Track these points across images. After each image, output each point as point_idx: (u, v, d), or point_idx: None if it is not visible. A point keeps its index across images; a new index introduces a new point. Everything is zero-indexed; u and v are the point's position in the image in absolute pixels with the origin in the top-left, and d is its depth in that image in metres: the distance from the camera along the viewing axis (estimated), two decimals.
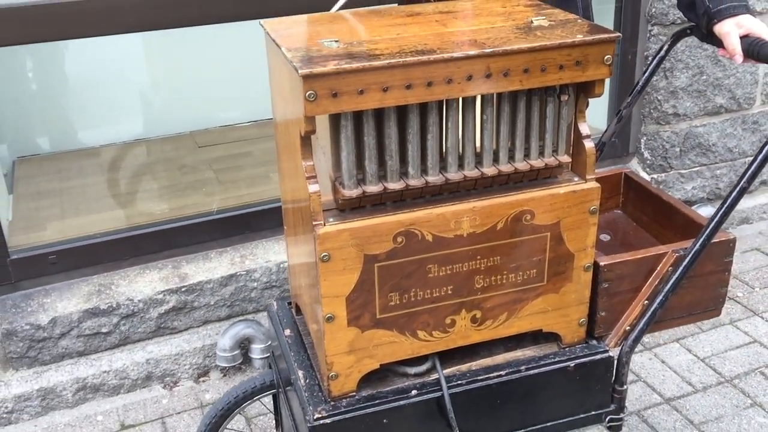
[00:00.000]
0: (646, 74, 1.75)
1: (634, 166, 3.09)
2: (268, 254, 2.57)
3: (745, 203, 3.23)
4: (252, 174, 3.04)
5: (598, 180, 1.79)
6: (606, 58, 1.27)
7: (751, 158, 3.04)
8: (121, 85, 3.23)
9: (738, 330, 2.60)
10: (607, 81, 3.06)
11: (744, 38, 1.52)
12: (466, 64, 1.20)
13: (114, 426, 2.31)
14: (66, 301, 2.36)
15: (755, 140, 3.13)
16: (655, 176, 3.05)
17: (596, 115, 3.07)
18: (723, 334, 2.59)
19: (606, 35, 1.26)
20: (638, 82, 1.76)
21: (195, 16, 2.34)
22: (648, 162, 3.05)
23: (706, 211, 3.04)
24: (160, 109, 3.42)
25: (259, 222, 2.59)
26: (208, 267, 2.52)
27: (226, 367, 2.49)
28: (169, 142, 3.32)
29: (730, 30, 1.53)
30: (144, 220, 2.65)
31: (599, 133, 3.15)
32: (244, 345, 2.49)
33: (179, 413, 2.35)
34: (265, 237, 2.61)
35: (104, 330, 2.39)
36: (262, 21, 1.42)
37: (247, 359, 2.51)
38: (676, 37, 1.72)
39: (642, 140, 3.04)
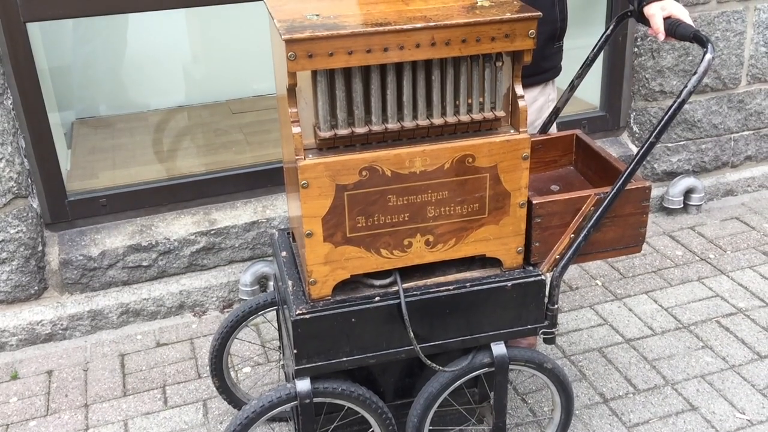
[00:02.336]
0: (595, 50, 2.04)
1: (624, 139, 3.37)
2: (285, 205, 2.95)
3: (731, 176, 3.48)
4: (276, 137, 3.39)
5: (553, 141, 2.13)
6: (530, 32, 1.59)
7: (734, 134, 3.27)
8: (166, 58, 3.63)
9: (704, 286, 2.88)
10: (601, 60, 3.34)
11: (667, 19, 1.82)
12: (414, 34, 1.54)
13: (151, 344, 2.73)
14: (113, 238, 2.78)
15: (740, 118, 3.37)
16: None
17: (590, 92, 3.36)
18: (689, 288, 2.87)
19: (529, 14, 1.58)
20: (588, 57, 2.05)
21: None
22: (637, 135, 3.33)
23: (688, 182, 3.31)
24: (200, 80, 3.81)
25: (280, 177, 2.96)
26: (234, 214, 2.91)
27: (246, 300, 2.88)
28: (207, 109, 3.72)
29: (656, 12, 1.83)
30: (181, 172, 3.05)
31: (593, 107, 3.45)
32: (262, 282, 2.88)
33: (205, 336, 2.75)
34: (284, 191, 2.99)
35: (145, 264, 2.80)
36: None
37: None
38: (619, 19, 2.02)
39: (632, 115, 3.31)
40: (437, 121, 1.66)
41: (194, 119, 3.69)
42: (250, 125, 3.58)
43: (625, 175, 1.76)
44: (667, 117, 1.72)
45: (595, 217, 1.78)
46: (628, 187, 1.79)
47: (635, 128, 3.32)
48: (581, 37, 3.29)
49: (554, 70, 2.17)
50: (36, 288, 2.69)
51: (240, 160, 3.21)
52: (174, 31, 3.64)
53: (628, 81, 3.27)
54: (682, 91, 1.69)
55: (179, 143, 3.43)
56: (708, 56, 1.66)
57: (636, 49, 3.18)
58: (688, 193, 3.31)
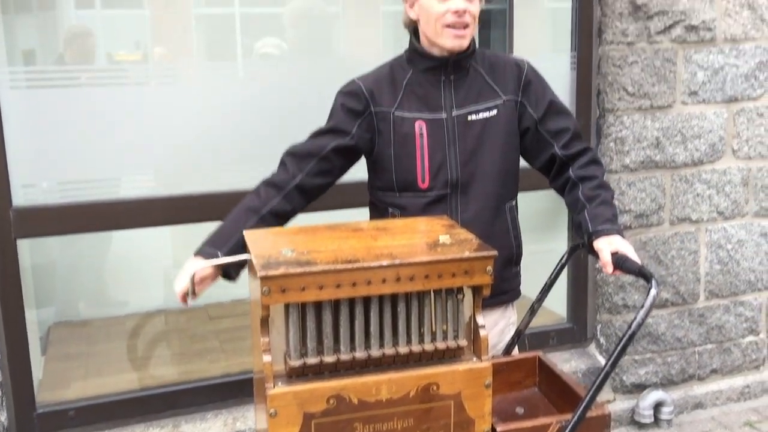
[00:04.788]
0: (551, 279, 2.18)
1: (593, 351, 3.46)
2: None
3: (698, 389, 3.53)
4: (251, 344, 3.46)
5: (517, 363, 2.21)
6: (487, 269, 1.72)
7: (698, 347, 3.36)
8: (148, 265, 3.76)
9: None
10: (565, 272, 3.51)
11: (614, 254, 1.97)
12: (381, 271, 1.66)
13: None
14: None
15: (702, 331, 3.49)
16: None
17: (557, 303, 3.49)
18: None
19: (486, 253, 1.72)
20: (546, 284, 2.19)
21: (212, 215, 2.88)
22: (604, 347, 3.42)
23: (656, 395, 3.35)
24: None
25: (252, 388, 2.97)
26: (204, 427, 2.88)
27: None
28: (185, 314, 3.78)
29: (603, 247, 1.98)
30: (153, 382, 3.05)
31: (560, 319, 3.56)
32: None
33: None
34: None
35: None
36: (245, 231, 1.91)
37: None
38: (572, 250, 2.18)
39: (598, 327, 3.42)
40: (403, 349, 1.73)
41: (171, 324, 3.74)
42: (226, 331, 3.64)
43: (584, 404, 1.81)
44: (619, 349, 1.81)
45: None
46: (588, 415, 1.84)
47: (602, 340, 3.41)
48: (546, 242, 3.51)
49: (513, 293, 2.28)
50: None
51: (213, 370, 3.23)
52: (155, 241, 3.79)
53: (592, 295, 3.41)
54: (631, 324, 1.79)
55: (154, 350, 3.46)
56: (653, 291, 1.79)
57: (597, 264, 3.36)
58: (658, 406, 3.34)
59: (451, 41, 2.07)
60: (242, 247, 1.92)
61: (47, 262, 3.49)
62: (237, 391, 2.97)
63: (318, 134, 2.17)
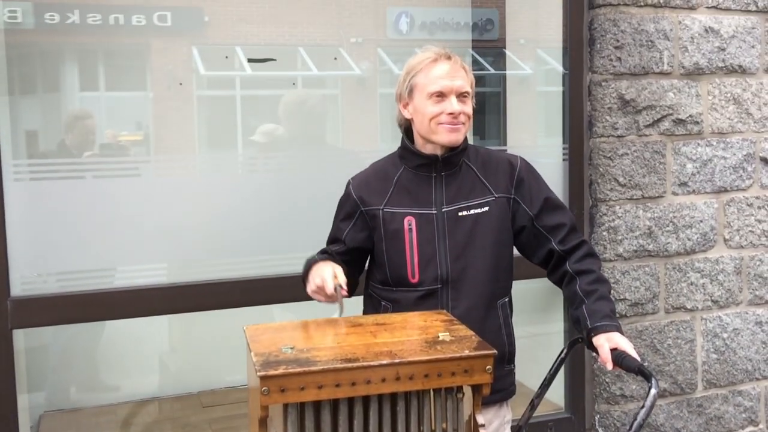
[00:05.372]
0: (551, 373, 2.18)
1: None
2: None
3: None
4: None
5: None
6: (487, 368, 1.72)
7: None
8: (142, 350, 3.73)
9: None
10: (562, 367, 3.48)
11: (613, 350, 1.98)
12: (381, 370, 1.66)
13: None
14: None
15: (701, 422, 3.46)
16: None
17: (556, 392, 3.46)
18: None
19: (485, 352, 1.72)
20: (546, 378, 2.18)
21: (209, 304, 2.89)
22: None
23: None
24: (174, 371, 3.87)
25: None
26: None
27: None
28: (178, 401, 3.73)
29: (603, 343, 1.99)
30: None
31: (559, 408, 3.53)
32: None
33: None
34: None
35: None
36: (245, 326, 1.91)
37: None
38: (571, 344, 2.19)
39: (596, 418, 3.39)
40: None
41: (164, 413, 3.68)
42: (219, 421, 3.57)
43: None
44: None
45: None
46: None
47: (601, 431, 3.37)
48: (541, 324, 3.51)
49: (507, 392, 2.24)
50: None
51: None
52: (151, 321, 3.77)
53: (590, 383, 3.39)
54: (632, 424, 1.79)
55: None
56: (653, 392, 1.79)
57: (594, 354, 3.35)
58: None
59: (446, 136, 2.12)
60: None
61: (40, 346, 3.45)
62: None
63: (330, 238, 2.30)
